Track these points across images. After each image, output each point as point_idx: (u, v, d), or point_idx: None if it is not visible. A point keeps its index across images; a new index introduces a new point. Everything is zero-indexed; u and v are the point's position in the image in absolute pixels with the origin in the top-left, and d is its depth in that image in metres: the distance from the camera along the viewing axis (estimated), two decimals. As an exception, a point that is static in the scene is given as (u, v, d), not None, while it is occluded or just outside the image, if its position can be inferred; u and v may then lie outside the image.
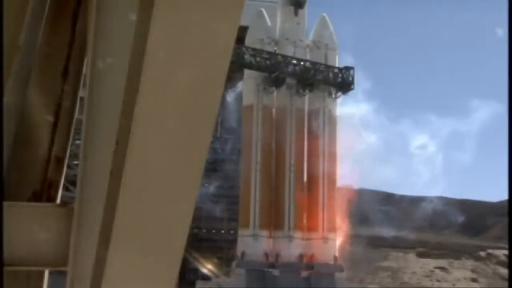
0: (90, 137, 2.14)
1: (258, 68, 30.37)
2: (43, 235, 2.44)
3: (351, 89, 31.74)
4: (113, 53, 1.84)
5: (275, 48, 31.59)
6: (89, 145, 2.17)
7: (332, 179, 31.25)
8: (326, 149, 31.03)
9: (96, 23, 1.99)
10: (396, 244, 52.13)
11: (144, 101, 1.68)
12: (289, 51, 31.42)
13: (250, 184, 30.60)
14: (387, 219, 54.27)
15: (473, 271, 48.49)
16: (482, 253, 52.08)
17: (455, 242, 55.27)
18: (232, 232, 38.06)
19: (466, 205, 66.08)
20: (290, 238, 30.20)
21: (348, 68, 31.92)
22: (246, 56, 30.00)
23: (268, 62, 30.43)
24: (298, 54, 31.63)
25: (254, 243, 29.72)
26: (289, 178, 30.73)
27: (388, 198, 64.65)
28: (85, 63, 2.70)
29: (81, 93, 2.63)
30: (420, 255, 51.89)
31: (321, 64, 31.49)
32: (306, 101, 31.68)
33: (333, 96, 31.87)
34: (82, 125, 2.17)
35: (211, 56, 1.64)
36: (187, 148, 1.80)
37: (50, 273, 2.81)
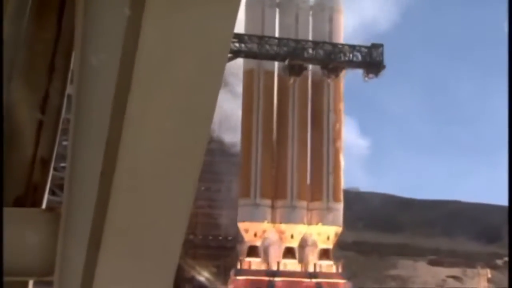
0: (79, 137, 2.14)
1: (273, 57, 29.57)
2: (28, 242, 2.44)
3: (383, 68, 30.26)
4: (103, 49, 1.84)
5: (277, 9, 31.13)
6: (78, 146, 2.17)
7: (337, 145, 30.92)
8: (331, 115, 30.74)
9: (85, 16, 1.99)
10: (405, 251, 52.03)
11: (137, 99, 1.68)
12: (291, 13, 30.99)
13: (251, 150, 30.31)
14: (397, 224, 54.12)
15: (489, 280, 48.41)
16: (499, 261, 51.98)
17: (469, 249, 55.16)
18: (230, 238, 37.96)
19: (480, 210, 65.98)
20: (293, 207, 29.89)
21: (376, 46, 30.45)
22: (258, 45, 29.51)
23: (285, 49, 29.57)
24: (301, 16, 31.22)
25: (255, 211, 29.46)
26: (292, 143, 30.49)
27: (399, 202, 64.47)
28: (72, 59, 2.70)
29: (69, 90, 2.63)
30: (432, 263, 51.79)
31: (342, 44, 30.37)
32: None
33: (366, 79, 30.87)
34: (70, 124, 2.17)
35: (208, 53, 1.65)
36: (183, 149, 1.81)
37: (35, 283, 2.81)
